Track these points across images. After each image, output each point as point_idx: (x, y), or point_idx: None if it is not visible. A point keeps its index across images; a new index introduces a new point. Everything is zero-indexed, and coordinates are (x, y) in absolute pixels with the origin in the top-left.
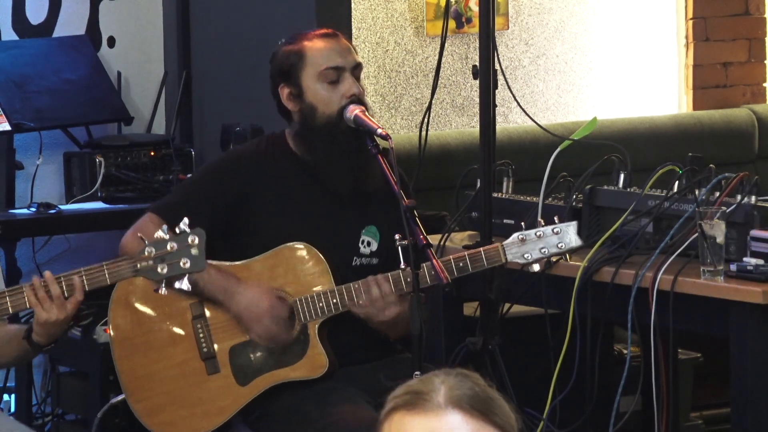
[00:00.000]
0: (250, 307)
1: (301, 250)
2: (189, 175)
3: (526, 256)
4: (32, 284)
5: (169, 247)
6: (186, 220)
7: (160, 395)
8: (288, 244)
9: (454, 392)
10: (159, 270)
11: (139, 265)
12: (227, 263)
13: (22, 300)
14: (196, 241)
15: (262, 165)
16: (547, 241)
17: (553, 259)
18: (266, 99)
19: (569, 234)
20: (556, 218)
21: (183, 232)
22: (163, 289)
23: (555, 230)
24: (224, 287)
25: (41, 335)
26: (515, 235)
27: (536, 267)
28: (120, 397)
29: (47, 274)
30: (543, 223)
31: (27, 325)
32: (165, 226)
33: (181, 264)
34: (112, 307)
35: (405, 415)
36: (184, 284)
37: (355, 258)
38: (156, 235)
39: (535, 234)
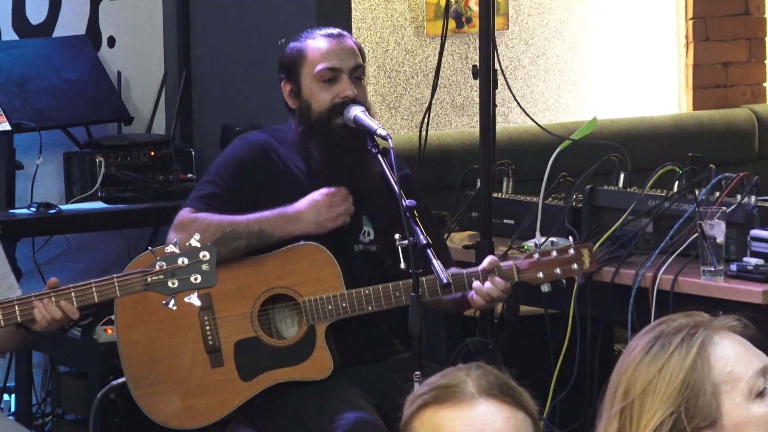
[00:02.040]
0: (317, 207)
1: (314, 251)
2: (209, 171)
3: (539, 275)
4: (42, 304)
5: (180, 262)
6: (197, 236)
7: (162, 384)
8: (301, 243)
9: (482, 382)
10: (169, 284)
11: (149, 279)
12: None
13: (30, 312)
14: (207, 256)
15: (275, 157)
16: (561, 262)
17: (564, 280)
18: (266, 99)
19: (584, 256)
20: (570, 238)
21: (194, 247)
22: (173, 303)
23: (570, 251)
24: (285, 218)
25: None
26: (530, 253)
27: (547, 287)
28: (121, 380)
29: (63, 305)
30: (557, 243)
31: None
32: (176, 241)
33: (192, 279)
34: None
35: (438, 410)
36: (194, 299)
37: (355, 245)
38: (167, 250)
39: (550, 254)
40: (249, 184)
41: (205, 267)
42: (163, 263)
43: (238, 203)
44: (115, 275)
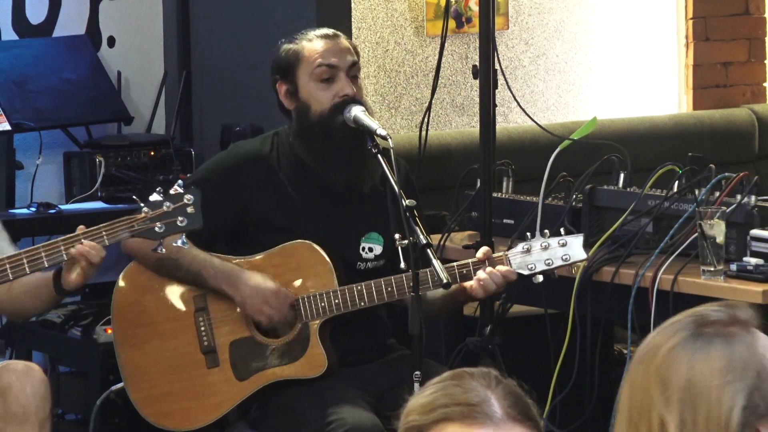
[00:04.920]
0: (255, 293)
1: (306, 248)
2: (196, 172)
3: (530, 266)
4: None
5: (165, 207)
6: (180, 182)
7: (159, 386)
8: (293, 241)
9: (505, 403)
10: (156, 229)
11: (136, 226)
12: (231, 257)
13: (59, 255)
14: (192, 199)
15: (266, 168)
16: (553, 253)
17: (557, 271)
18: (266, 99)
19: (575, 246)
20: (562, 230)
21: (177, 192)
22: (162, 248)
23: (561, 242)
24: (227, 276)
25: (70, 283)
26: (520, 245)
27: (540, 278)
28: (119, 386)
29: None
30: (549, 234)
31: (52, 270)
32: (159, 188)
33: (178, 222)
34: (116, 296)
35: (463, 428)
36: (182, 242)
37: (359, 263)
38: (151, 198)
39: (541, 245)
40: (233, 193)
41: (190, 210)
42: (148, 209)
43: (218, 210)
44: (101, 225)
